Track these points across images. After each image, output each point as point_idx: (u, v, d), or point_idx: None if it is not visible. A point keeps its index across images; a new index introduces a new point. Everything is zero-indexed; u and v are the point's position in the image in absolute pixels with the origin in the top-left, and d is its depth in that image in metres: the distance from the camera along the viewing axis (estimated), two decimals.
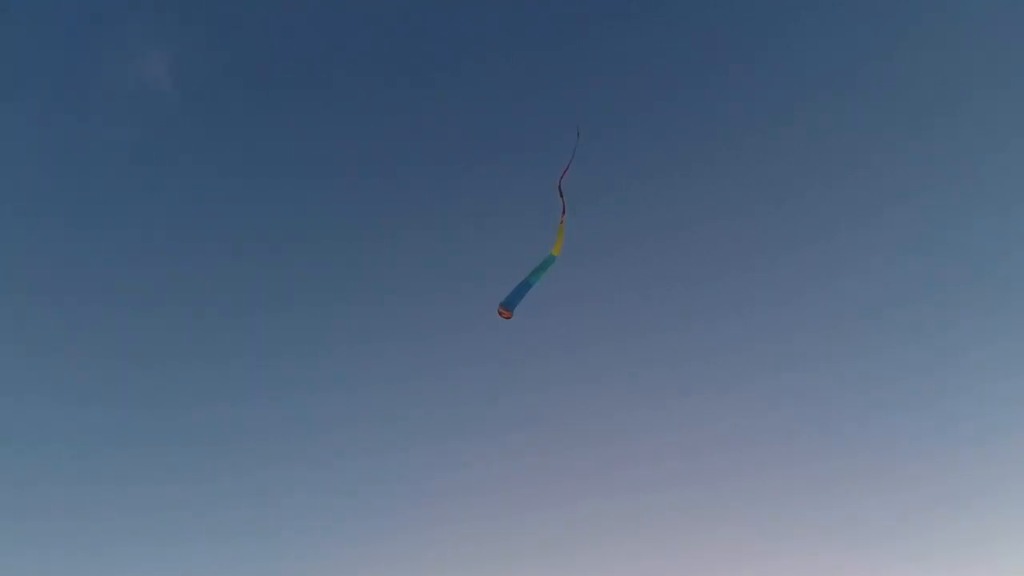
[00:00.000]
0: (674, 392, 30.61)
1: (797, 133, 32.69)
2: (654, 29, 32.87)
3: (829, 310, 31.18)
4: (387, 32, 32.93)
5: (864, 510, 26.82)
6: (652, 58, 33.40)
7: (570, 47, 32.98)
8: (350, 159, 33.74)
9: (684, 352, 31.41)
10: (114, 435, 28.30)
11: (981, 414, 27.68)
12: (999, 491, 26.01)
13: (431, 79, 33.21)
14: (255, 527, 26.86)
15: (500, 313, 14.26)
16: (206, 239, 32.29)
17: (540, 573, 26.24)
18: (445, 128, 33.94)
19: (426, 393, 30.50)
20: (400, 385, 30.71)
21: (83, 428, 28.13)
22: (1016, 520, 25.15)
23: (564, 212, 15.16)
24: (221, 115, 32.58)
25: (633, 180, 33.09)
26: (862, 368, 29.95)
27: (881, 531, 26.29)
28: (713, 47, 32.78)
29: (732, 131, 32.86)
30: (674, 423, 29.75)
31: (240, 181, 32.99)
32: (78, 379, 28.96)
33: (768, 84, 32.75)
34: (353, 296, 32.77)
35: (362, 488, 28.40)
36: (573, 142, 15.73)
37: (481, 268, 31.73)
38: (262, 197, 33.20)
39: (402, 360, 31.22)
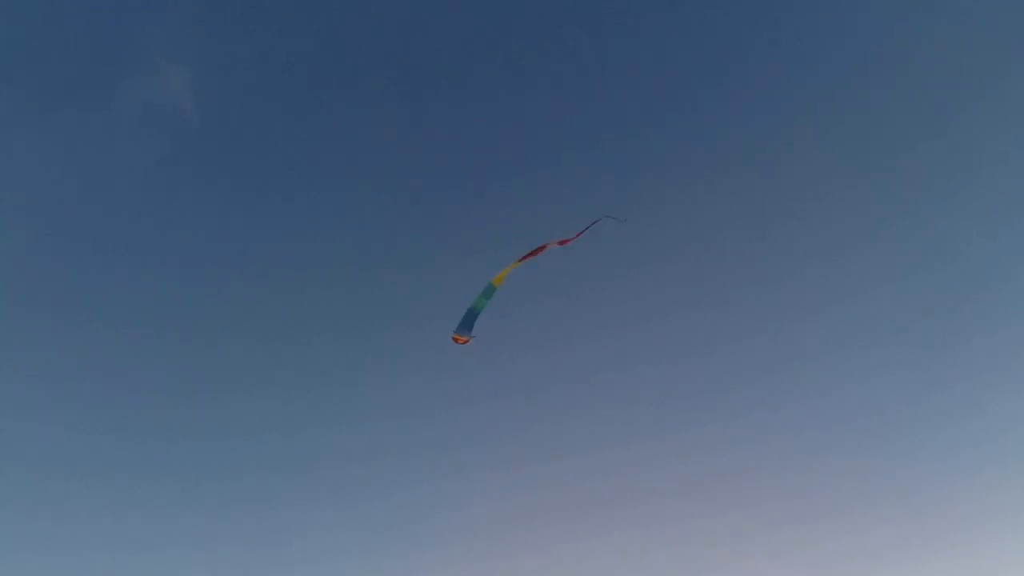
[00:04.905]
0: (689, 417, 31.18)
1: (806, 146, 33.17)
2: (662, 43, 33.41)
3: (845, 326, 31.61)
4: (406, 49, 33.55)
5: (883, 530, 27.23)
6: (663, 73, 34.01)
7: (575, 67, 33.67)
8: (370, 174, 34.26)
9: (701, 375, 32.04)
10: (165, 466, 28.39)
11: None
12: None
13: (449, 97, 33.72)
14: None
15: (455, 339, 14.60)
16: (227, 255, 32.80)
17: None
18: (470, 145, 34.48)
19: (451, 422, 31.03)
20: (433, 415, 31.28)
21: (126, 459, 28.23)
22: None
23: (526, 257, 15.49)
24: (240, 131, 33.20)
25: (643, 199, 33.62)
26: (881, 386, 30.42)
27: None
28: (724, 61, 33.33)
29: (738, 146, 33.40)
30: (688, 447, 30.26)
31: (259, 196, 33.58)
32: (97, 406, 28.87)
33: (775, 96, 33.27)
34: (384, 315, 33.07)
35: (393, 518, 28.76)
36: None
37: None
38: (282, 212, 33.76)
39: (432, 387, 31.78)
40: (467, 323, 15.02)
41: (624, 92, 34.14)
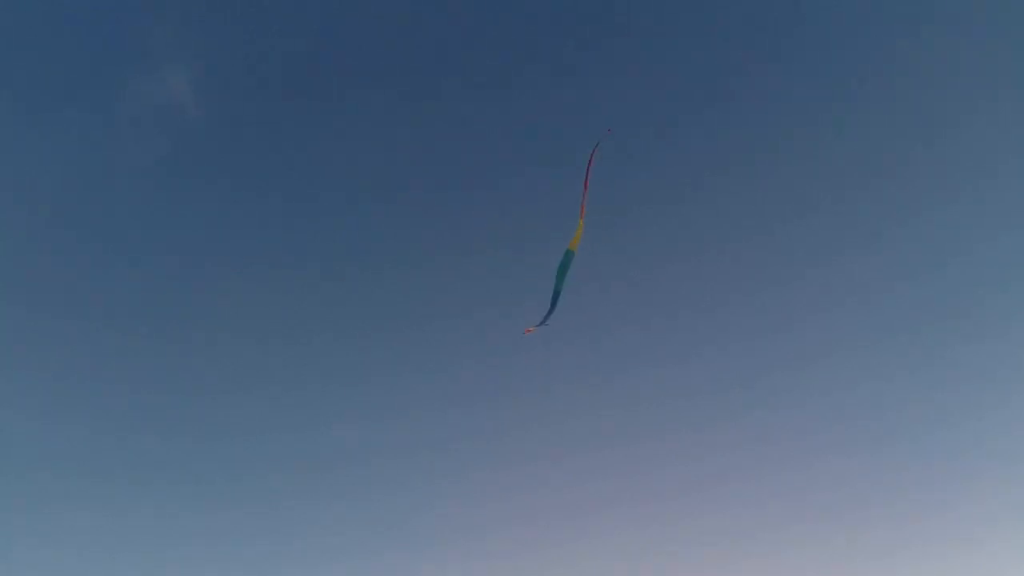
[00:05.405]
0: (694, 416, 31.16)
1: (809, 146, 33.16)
2: (662, 42, 33.45)
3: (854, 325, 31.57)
4: (409, 48, 33.60)
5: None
6: (667, 75, 34.04)
7: (581, 62, 33.67)
8: (371, 173, 34.29)
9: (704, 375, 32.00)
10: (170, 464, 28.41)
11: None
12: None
13: (449, 97, 33.76)
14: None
15: (527, 330, 14.29)
16: (230, 255, 32.83)
17: None
18: (471, 145, 34.52)
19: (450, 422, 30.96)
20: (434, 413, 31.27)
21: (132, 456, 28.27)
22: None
23: (583, 202, 14.73)
24: (242, 131, 33.26)
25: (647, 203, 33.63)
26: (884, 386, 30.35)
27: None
28: (730, 61, 33.35)
29: (739, 147, 33.42)
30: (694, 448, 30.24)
31: (260, 195, 33.65)
32: (89, 402, 28.87)
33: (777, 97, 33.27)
34: (385, 315, 33.03)
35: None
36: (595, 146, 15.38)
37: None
38: (283, 212, 33.81)
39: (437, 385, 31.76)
40: (551, 310, 14.15)
41: (625, 92, 34.20)
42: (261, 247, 33.42)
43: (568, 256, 14.43)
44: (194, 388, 30.44)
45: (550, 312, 14.30)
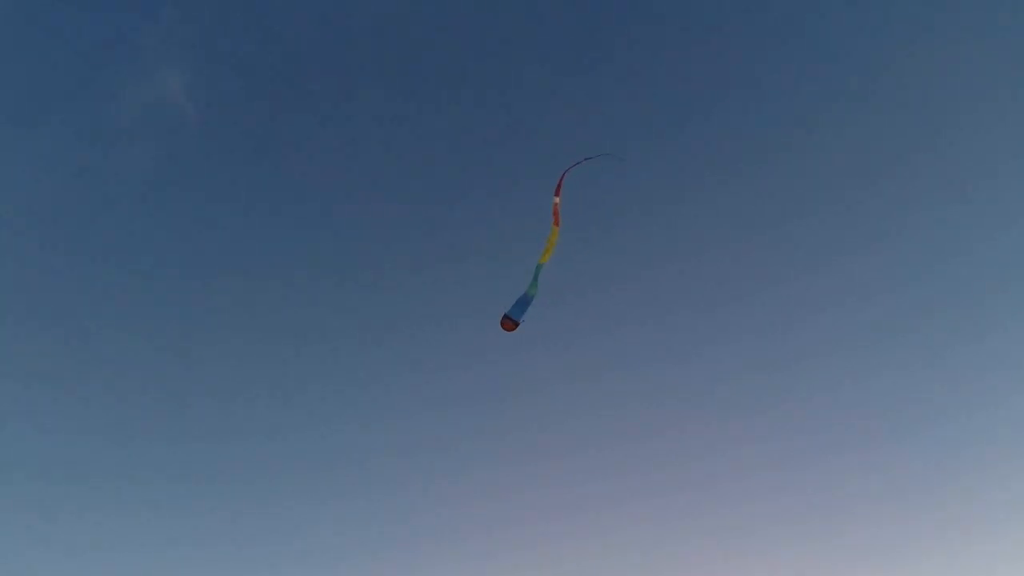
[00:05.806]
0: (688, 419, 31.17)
1: (808, 147, 33.19)
2: (662, 43, 33.45)
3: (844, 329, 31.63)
4: (408, 49, 33.56)
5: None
6: (663, 75, 34.04)
7: (576, 62, 33.70)
8: (370, 176, 34.30)
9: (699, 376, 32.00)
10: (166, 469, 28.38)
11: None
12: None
13: (449, 98, 33.73)
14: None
15: (504, 326, 14.11)
16: (226, 257, 32.85)
17: None
18: (471, 146, 34.54)
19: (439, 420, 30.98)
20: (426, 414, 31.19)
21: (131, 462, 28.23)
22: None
23: (557, 222, 15.06)
24: (238, 133, 33.25)
25: (641, 202, 33.65)
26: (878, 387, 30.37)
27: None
28: (724, 61, 33.36)
29: (740, 147, 33.41)
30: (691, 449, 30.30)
31: (259, 198, 33.64)
32: (95, 412, 28.69)
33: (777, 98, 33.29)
34: (384, 321, 32.95)
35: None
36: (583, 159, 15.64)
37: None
38: (282, 213, 33.80)
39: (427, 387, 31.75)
40: (520, 309, 14.23)
41: (625, 91, 34.19)
42: (259, 249, 33.46)
43: (537, 268, 14.63)
44: (193, 390, 30.49)
45: (520, 309, 14.31)
